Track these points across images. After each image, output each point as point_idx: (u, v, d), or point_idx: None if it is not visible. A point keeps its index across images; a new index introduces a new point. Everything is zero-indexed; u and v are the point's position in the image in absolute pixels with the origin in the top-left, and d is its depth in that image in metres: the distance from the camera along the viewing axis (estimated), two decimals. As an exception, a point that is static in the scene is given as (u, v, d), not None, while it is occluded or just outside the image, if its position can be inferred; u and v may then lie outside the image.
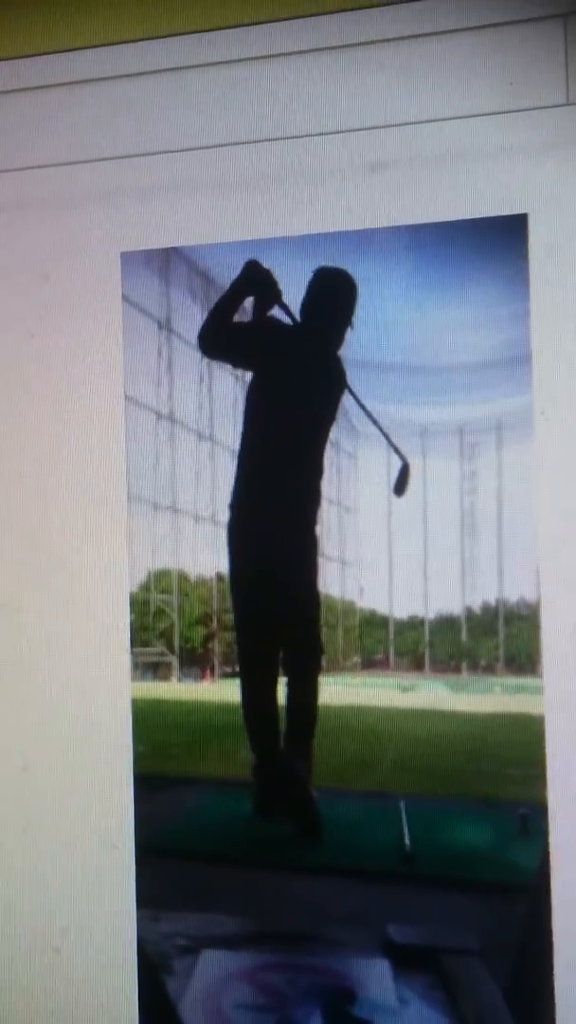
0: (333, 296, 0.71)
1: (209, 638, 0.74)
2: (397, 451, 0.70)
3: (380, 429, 0.71)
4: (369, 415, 0.71)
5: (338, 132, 0.70)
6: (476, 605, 0.69)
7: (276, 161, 0.71)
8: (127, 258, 0.74)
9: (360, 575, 0.71)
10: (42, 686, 0.74)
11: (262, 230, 0.72)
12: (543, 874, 0.65)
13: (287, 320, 0.72)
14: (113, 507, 0.73)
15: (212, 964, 0.71)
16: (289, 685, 0.72)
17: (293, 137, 0.71)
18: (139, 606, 0.73)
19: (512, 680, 0.68)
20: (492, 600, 0.68)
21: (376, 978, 0.68)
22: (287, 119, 0.71)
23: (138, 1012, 0.72)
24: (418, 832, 0.69)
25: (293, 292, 0.72)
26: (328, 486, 0.72)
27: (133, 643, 0.73)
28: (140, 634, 0.74)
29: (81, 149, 0.74)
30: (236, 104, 0.72)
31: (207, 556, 0.73)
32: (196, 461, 0.74)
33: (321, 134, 0.70)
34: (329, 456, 0.72)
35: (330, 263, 0.70)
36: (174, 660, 0.74)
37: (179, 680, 0.74)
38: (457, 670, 0.70)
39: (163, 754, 0.72)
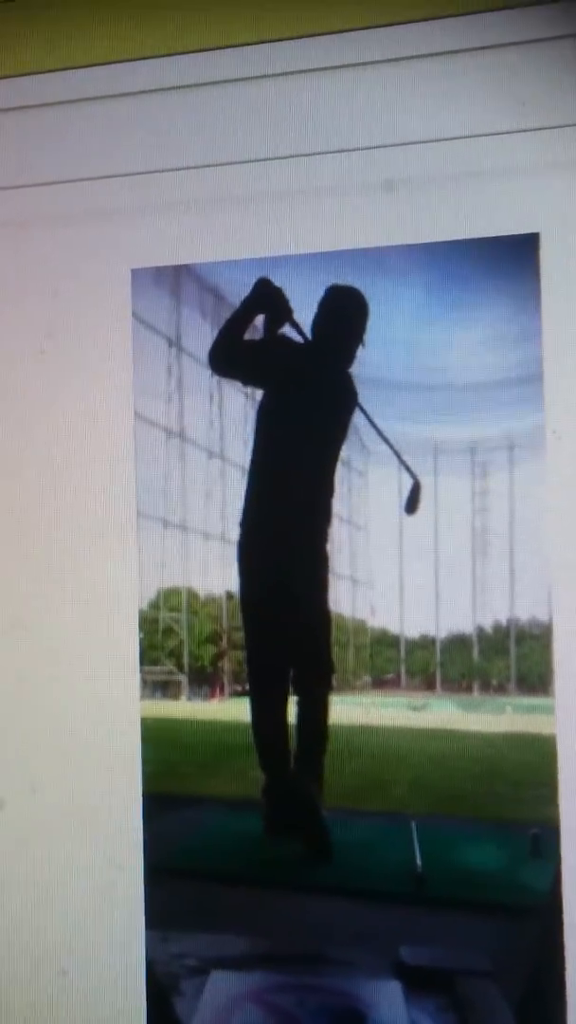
0: (344, 314, 0.71)
1: (219, 656, 0.74)
2: (408, 469, 0.70)
3: (391, 447, 0.71)
4: (380, 433, 0.71)
5: (350, 150, 0.70)
6: (487, 624, 0.69)
7: (288, 179, 0.71)
8: (137, 275, 0.74)
9: (371, 594, 0.71)
10: (51, 705, 0.73)
11: (273, 248, 0.71)
12: (555, 895, 0.65)
13: (298, 338, 0.72)
14: (123, 525, 0.73)
15: (221, 985, 0.70)
16: (299, 704, 0.71)
17: (305, 155, 0.71)
18: (148, 624, 0.73)
19: (524, 700, 0.68)
20: (503, 619, 0.68)
21: (387, 1000, 0.68)
22: (299, 137, 0.71)
23: (146, 1033, 0.71)
24: (429, 853, 0.68)
25: (304, 310, 0.72)
26: (339, 504, 0.71)
27: (142, 661, 0.73)
28: (149, 652, 0.73)
29: (92, 166, 0.74)
30: (247, 122, 0.72)
31: (217, 574, 0.73)
32: (206, 479, 0.73)
33: (333, 152, 0.70)
34: (340, 474, 0.71)
35: (342, 281, 0.70)
36: (183, 679, 0.74)
37: (188, 699, 0.74)
38: (468, 690, 0.70)
39: (172, 773, 0.72)
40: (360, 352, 0.70)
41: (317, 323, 0.72)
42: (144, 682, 0.73)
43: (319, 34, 0.70)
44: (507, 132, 0.68)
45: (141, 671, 0.73)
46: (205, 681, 0.74)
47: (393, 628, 0.70)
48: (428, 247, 0.69)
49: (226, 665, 0.74)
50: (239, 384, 0.73)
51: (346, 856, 0.70)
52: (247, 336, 0.73)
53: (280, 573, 0.73)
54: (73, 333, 0.75)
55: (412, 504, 0.70)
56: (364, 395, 0.70)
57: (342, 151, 0.70)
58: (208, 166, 0.73)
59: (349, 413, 0.71)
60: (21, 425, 0.75)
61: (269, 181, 0.72)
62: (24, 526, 0.75)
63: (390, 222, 0.70)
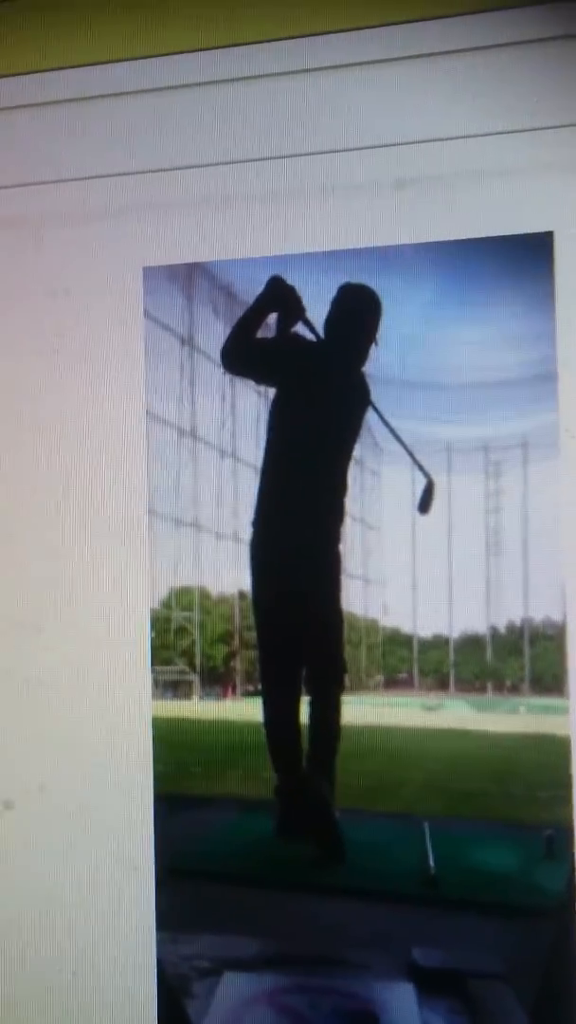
0: (357, 313, 0.70)
1: (231, 656, 0.74)
2: (421, 468, 0.70)
3: (404, 446, 0.70)
4: (393, 432, 0.70)
5: (364, 148, 0.70)
6: (501, 624, 0.68)
7: (301, 177, 0.71)
8: (149, 273, 0.74)
9: (384, 593, 0.70)
10: (62, 705, 0.73)
11: (286, 246, 0.71)
12: (569, 897, 0.65)
13: (311, 336, 0.72)
14: (135, 524, 0.73)
15: (233, 986, 0.70)
16: (312, 704, 0.71)
17: (318, 153, 0.71)
18: (160, 623, 0.73)
19: (538, 700, 0.67)
20: (517, 619, 0.68)
21: (400, 1002, 0.67)
22: (312, 135, 0.71)
23: (157, 1035, 0.71)
24: (442, 854, 0.68)
25: (317, 308, 0.71)
26: (352, 503, 0.71)
27: (154, 661, 0.72)
28: (161, 652, 0.73)
29: (104, 164, 0.74)
30: (261, 119, 0.72)
31: (229, 573, 0.73)
32: (218, 478, 0.73)
33: (347, 150, 0.70)
34: (353, 473, 0.71)
35: (355, 279, 0.70)
36: (195, 678, 0.74)
37: (200, 698, 0.73)
38: (482, 690, 0.70)
39: (184, 773, 0.72)
40: (373, 351, 0.70)
41: (330, 322, 0.71)
42: (156, 682, 0.72)
43: (333, 31, 0.70)
44: (521, 130, 0.68)
45: (153, 671, 0.72)
46: (217, 681, 0.74)
47: (406, 628, 0.70)
48: (441, 246, 0.69)
49: (238, 665, 0.73)
50: (252, 383, 0.73)
51: (358, 857, 0.69)
52: (260, 334, 0.73)
53: (292, 572, 0.73)
54: (85, 331, 0.74)
55: (425, 503, 0.70)
56: (377, 394, 0.70)
57: (355, 149, 0.70)
58: (220, 164, 0.73)
59: (362, 412, 0.71)
60: (33, 423, 0.75)
61: (282, 179, 0.71)
62: (35, 526, 0.75)
63: (403, 220, 0.70)
